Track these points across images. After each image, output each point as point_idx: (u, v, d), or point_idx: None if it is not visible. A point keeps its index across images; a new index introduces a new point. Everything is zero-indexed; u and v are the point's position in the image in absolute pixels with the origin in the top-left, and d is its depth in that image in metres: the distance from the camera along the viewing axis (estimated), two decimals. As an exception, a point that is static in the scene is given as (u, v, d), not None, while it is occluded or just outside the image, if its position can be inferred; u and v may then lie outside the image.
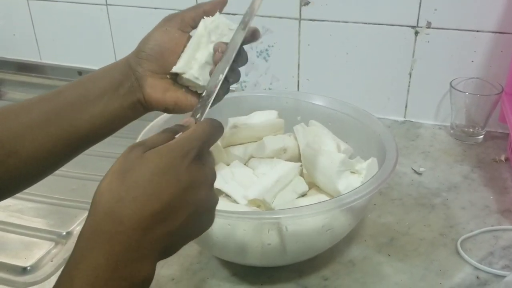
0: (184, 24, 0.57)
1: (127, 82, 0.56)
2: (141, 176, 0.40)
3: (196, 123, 0.48)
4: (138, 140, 0.71)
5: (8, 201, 0.55)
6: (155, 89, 0.57)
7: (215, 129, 0.47)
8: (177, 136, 0.45)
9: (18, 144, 0.52)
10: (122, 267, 0.39)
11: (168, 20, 0.58)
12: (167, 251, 0.43)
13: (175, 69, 0.56)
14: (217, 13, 0.58)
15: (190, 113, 0.51)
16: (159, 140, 0.44)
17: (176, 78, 0.58)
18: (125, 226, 0.39)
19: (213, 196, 0.46)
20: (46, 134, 0.54)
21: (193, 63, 0.57)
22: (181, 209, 0.42)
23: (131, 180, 0.40)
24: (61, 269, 0.70)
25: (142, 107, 0.58)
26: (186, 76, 0.56)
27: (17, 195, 0.56)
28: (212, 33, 0.57)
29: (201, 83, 0.57)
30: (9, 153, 0.52)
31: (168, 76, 0.57)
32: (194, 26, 0.58)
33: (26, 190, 0.57)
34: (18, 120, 0.53)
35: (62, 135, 0.54)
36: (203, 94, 0.53)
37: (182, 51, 0.57)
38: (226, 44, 0.56)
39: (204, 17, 0.58)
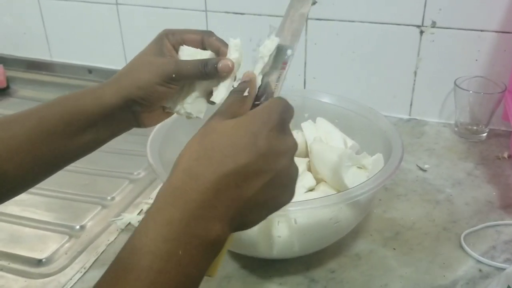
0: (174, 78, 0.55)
1: (119, 114, 0.56)
2: (219, 139, 0.42)
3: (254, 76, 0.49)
4: (150, 137, 0.73)
5: (22, 196, 0.56)
6: (150, 119, 0.59)
7: (289, 105, 0.46)
8: (245, 92, 0.46)
9: (5, 166, 0.52)
10: (195, 224, 0.39)
11: (156, 71, 0.55)
12: (244, 220, 0.43)
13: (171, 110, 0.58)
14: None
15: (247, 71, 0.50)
16: (234, 105, 0.45)
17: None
18: (199, 183, 0.40)
19: (293, 168, 0.45)
20: (33, 159, 0.53)
21: (185, 101, 0.58)
22: (257, 175, 0.41)
23: (209, 141, 0.42)
24: (76, 261, 0.73)
25: (136, 127, 0.60)
26: (180, 112, 0.58)
27: (30, 190, 0.57)
28: None
29: (194, 116, 0.58)
30: None
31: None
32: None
33: (38, 185, 0.57)
34: (4, 144, 0.52)
35: (49, 159, 0.55)
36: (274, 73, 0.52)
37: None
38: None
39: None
